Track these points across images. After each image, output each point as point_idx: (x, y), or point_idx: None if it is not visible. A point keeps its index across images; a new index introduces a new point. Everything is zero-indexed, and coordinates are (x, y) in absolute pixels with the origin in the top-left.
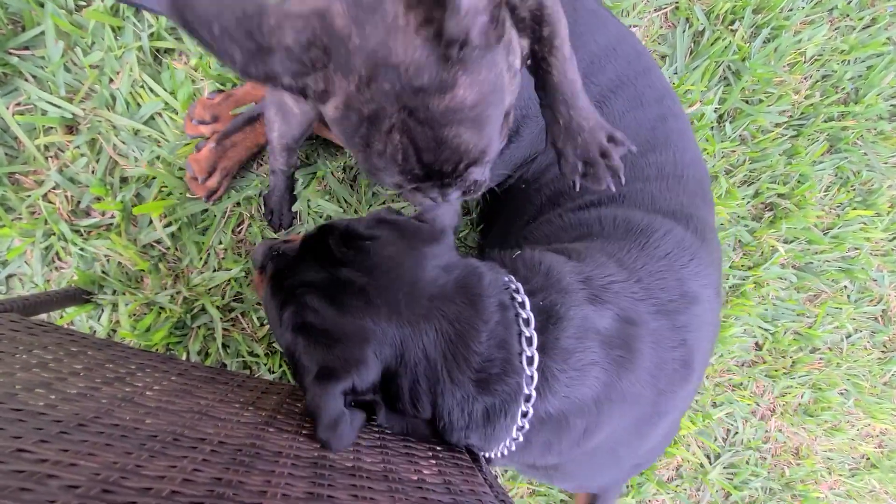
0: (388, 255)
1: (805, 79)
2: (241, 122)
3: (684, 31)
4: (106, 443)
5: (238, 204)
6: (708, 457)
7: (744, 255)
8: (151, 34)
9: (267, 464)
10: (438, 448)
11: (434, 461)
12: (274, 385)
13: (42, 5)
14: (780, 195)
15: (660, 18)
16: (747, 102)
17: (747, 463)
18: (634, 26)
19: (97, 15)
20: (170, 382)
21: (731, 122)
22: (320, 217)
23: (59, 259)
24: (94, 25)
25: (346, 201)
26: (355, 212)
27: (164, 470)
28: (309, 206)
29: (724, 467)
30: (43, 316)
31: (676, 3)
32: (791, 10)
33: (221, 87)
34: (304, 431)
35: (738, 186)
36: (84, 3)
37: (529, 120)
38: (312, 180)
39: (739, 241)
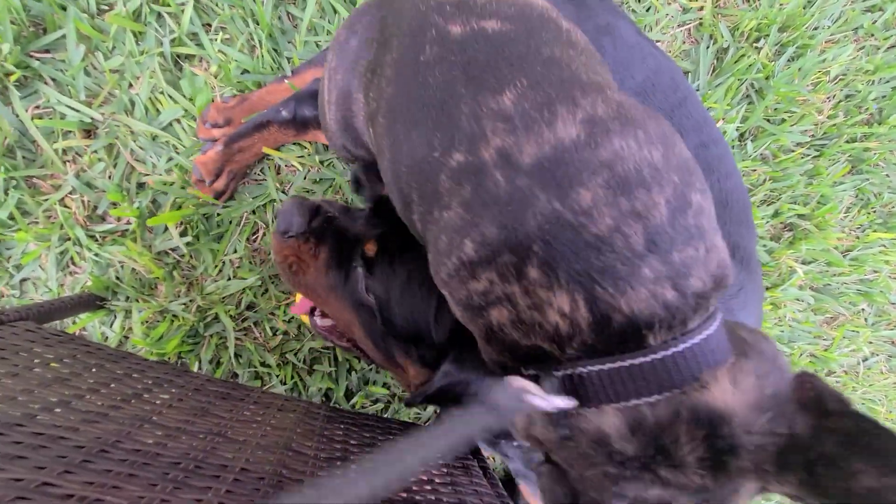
0: None
1: (828, 98)
2: (250, 127)
3: (708, 48)
4: (129, 472)
5: (253, 212)
6: None
7: (762, 275)
8: (173, 40)
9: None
10: (457, 472)
11: (452, 487)
12: (289, 402)
13: (64, 8)
14: (800, 216)
15: (683, 34)
16: (769, 121)
17: None
18: (658, 41)
19: (119, 19)
20: (187, 399)
21: (752, 141)
22: None
23: (74, 264)
24: (116, 30)
25: None
26: None
27: None
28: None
29: None
30: (55, 322)
31: (700, 19)
32: (816, 28)
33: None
34: (322, 455)
35: (759, 206)
36: (106, 7)
37: None
38: (329, 189)
39: (758, 261)
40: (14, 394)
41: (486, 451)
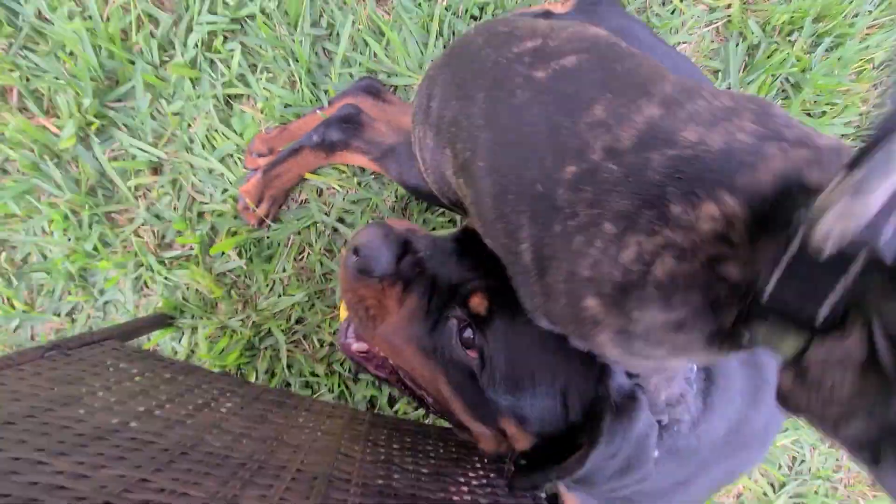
0: None
1: (875, 86)
2: (286, 153)
3: (738, 45)
4: (205, 471)
5: (298, 233)
6: (772, 485)
7: None
8: (224, 83)
9: (340, 492)
10: (493, 475)
11: (489, 488)
12: (336, 409)
13: (133, 63)
14: None
15: (711, 33)
16: (809, 115)
17: (816, 493)
18: (684, 43)
19: (178, 68)
20: (248, 407)
21: None
22: None
23: (147, 287)
24: (176, 78)
25: None
26: None
27: (257, 499)
28: None
29: (790, 497)
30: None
31: (729, 16)
32: (856, 15)
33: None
34: (367, 458)
35: None
36: (167, 59)
37: None
38: (367, 208)
39: None
40: (110, 405)
41: None
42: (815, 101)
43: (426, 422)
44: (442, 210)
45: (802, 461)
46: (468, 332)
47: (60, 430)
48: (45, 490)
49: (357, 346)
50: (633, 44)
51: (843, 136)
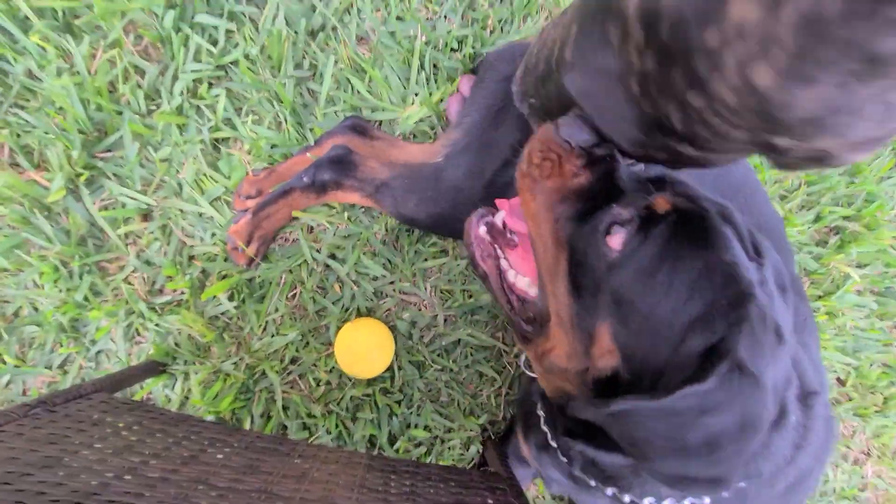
0: None
1: None
2: (276, 195)
3: None
4: None
5: (290, 272)
6: None
7: (812, 283)
8: (211, 127)
9: None
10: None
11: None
12: (332, 453)
13: (120, 113)
14: (845, 217)
15: None
16: None
17: None
18: None
19: (165, 116)
20: (238, 457)
21: None
22: (367, 278)
23: (139, 334)
24: (163, 125)
25: (390, 262)
26: (401, 272)
27: None
28: (356, 269)
29: None
30: (126, 389)
31: None
32: None
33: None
34: None
35: (797, 212)
36: (154, 107)
37: None
38: (357, 242)
39: (805, 269)
40: (90, 464)
41: (526, 482)
42: None
43: (427, 461)
44: (434, 241)
45: (826, 481)
46: (617, 228)
47: (35, 497)
48: None
49: (483, 233)
50: None
51: None
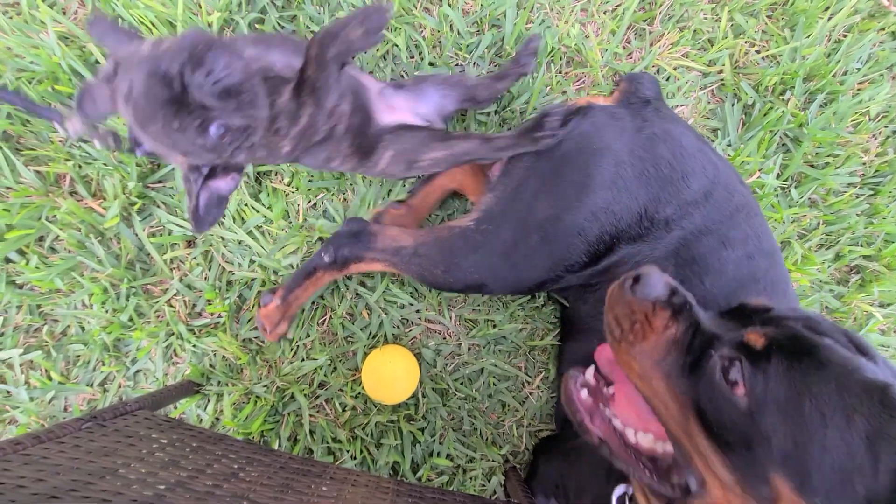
0: None
1: (873, 137)
2: (300, 276)
3: (733, 105)
4: None
5: (321, 297)
6: None
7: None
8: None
9: None
10: None
11: None
12: (360, 476)
13: None
14: (865, 257)
15: (707, 95)
16: (812, 166)
17: None
18: (682, 105)
19: None
20: (274, 476)
21: (796, 188)
22: (395, 305)
23: (176, 355)
24: None
25: (417, 290)
26: (428, 300)
27: None
28: (384, 297)
29: None
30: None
31: (722, 80)
32: (846, 73)
33: (311, 200)
34: None
35: (816, 251)
36: None
37: (612, 253)
38: (386, 272)
39: (827, 307)
40: (143, 476)
41: None
42: (816, 154)
43: (450, 489)
44: (458, 295)
45: None
46: (734, 371)
47: None
48: None
49: (585, 396)
50: (674, 151)
51: (850, 185)
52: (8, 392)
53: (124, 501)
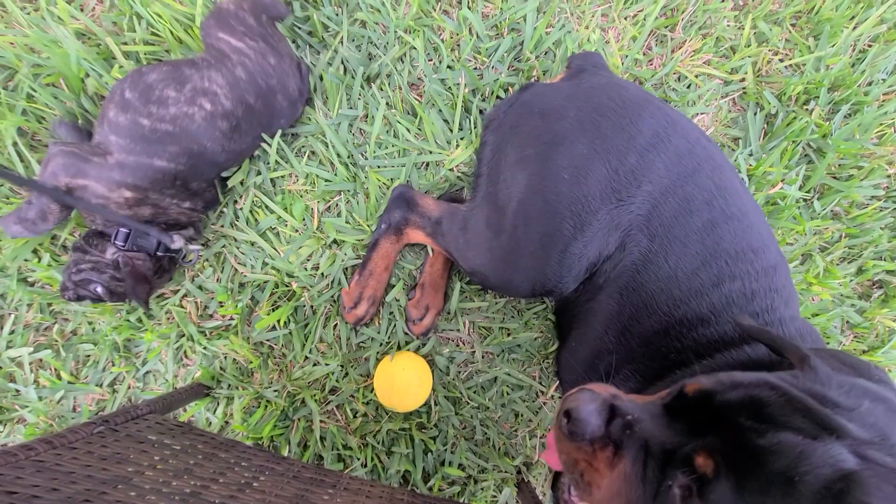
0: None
1: None
2: (368, 251)
3: (755, 114)
4: None
5: (334, 300)
6: None
7: (855, 338)
8: (269, 164)
9: None
10: None
11: None
12: (374, 487)
13: None
14: (888, 272)
15: (728, 104)
16: (836, 178)
17: None
18: (702, 114)
19: None
20: (288, 486)
21: (819, 199)
22: None
23: (187, 357)
24: None
25: None
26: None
27: None
28: (397, 302)
29: None
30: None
31: (744, 88)
32: (870, 83)
33: (327, 204)
34: None
35: (838, 264)
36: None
37: (594, 217)
38: (401, 276)
39: (848, 322)
40: (158, 485)
41: None
42: (839, 165)
43: (461, 500)
44: (472, 302)
45: None
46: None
47: None
48: None
49: (574, 496)
50: (617, 97)
51: (874, 197)
52: (17, 391)
53: None
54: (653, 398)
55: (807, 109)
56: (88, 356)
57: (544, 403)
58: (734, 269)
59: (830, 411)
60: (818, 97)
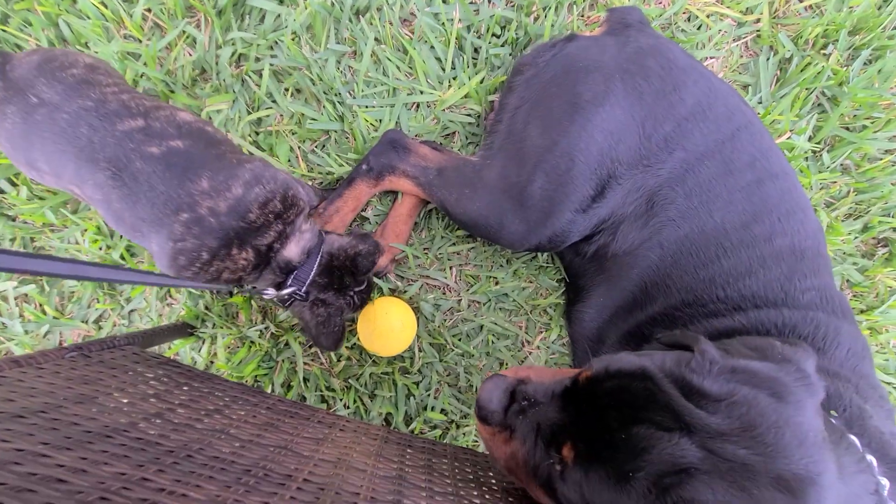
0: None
1: None
2: (341, 187)
3: (768, 59)
4: (209, 475)
5: None
6: None
7: (854, 296)
8: (253, 99)
9: None
10: (511, 498)
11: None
12: (350, 422)
13: (172, 91)
14: (895, 229)
15: (740, 48)
16: (848, 129)
17: None
18: (711, 58)
19: (214, 98)
20: (259, 416)
21: (829, 152)
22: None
23: (171, 296)
24: (209, 97)
25: (416, 240)
26: (426, 254)
27: None
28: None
29: None
30: (155, 347)
31: (758, 31)
32: None
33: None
34: (379, 473)
35: (843, 220)
36: (202, 81)
37: (616, 182)
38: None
39: (848, 280)
40: (121, 405)
41: None
42: (854, 116)
43: (443, 441)
44: (462, 249)
45: None
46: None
47: (69, 427)
48: (41, 482)
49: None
50: (664, 64)
51: (887, 151)
52: (3, 324)
53: (95, 426)
54: (565, 376)
55: (824, 54)
56: (73, 292)
57: (530, 353)
58: (785, 226)
59: (692, 404)
60: (837, 41)
